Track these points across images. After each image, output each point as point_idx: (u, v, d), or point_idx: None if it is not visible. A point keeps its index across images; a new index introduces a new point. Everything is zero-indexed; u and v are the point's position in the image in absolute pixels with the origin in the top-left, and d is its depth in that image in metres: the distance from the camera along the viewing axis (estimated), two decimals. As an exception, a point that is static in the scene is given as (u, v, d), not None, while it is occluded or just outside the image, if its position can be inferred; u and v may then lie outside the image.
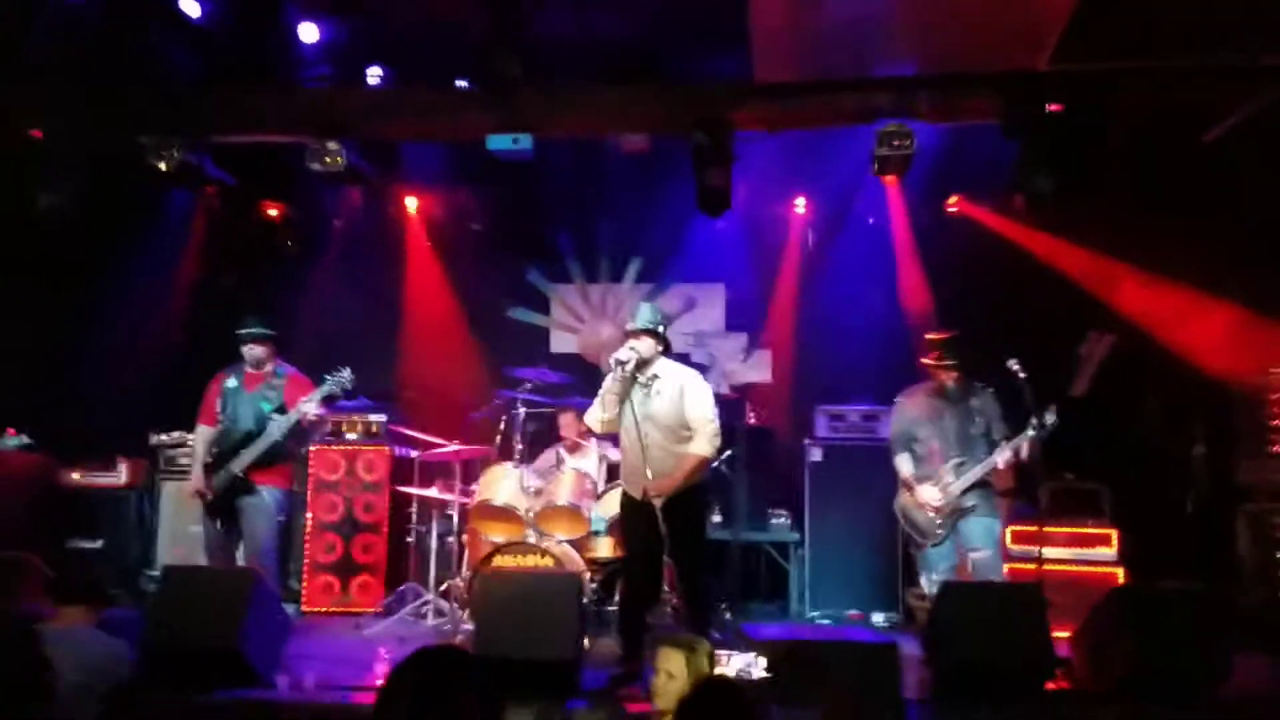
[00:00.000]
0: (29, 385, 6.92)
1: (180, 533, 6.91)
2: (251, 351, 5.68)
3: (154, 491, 7.13)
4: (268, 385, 5.67)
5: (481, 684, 1.77)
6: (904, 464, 5.53)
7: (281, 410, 5.56)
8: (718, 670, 4.56)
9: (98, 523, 6.99)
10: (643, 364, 4.91)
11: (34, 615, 3.52)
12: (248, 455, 5.48)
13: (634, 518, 4.99)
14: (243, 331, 5.68)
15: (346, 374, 5.57)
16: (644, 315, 4.99)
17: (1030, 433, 5.18)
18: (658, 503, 4.75)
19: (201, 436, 5.70)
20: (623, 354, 4.87)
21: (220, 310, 7.52)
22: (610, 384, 4.93)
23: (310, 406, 5.50)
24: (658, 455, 4.83)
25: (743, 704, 2.15)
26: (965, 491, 5.32)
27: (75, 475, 7.11)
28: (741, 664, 4.64)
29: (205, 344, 7.46)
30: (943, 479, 5.36)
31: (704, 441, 4.88)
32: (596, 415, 5.06)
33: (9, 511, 6.74)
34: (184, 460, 7.05)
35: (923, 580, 5.53)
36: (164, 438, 7.15)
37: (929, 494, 5.37)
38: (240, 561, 5.58)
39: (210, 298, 7.65)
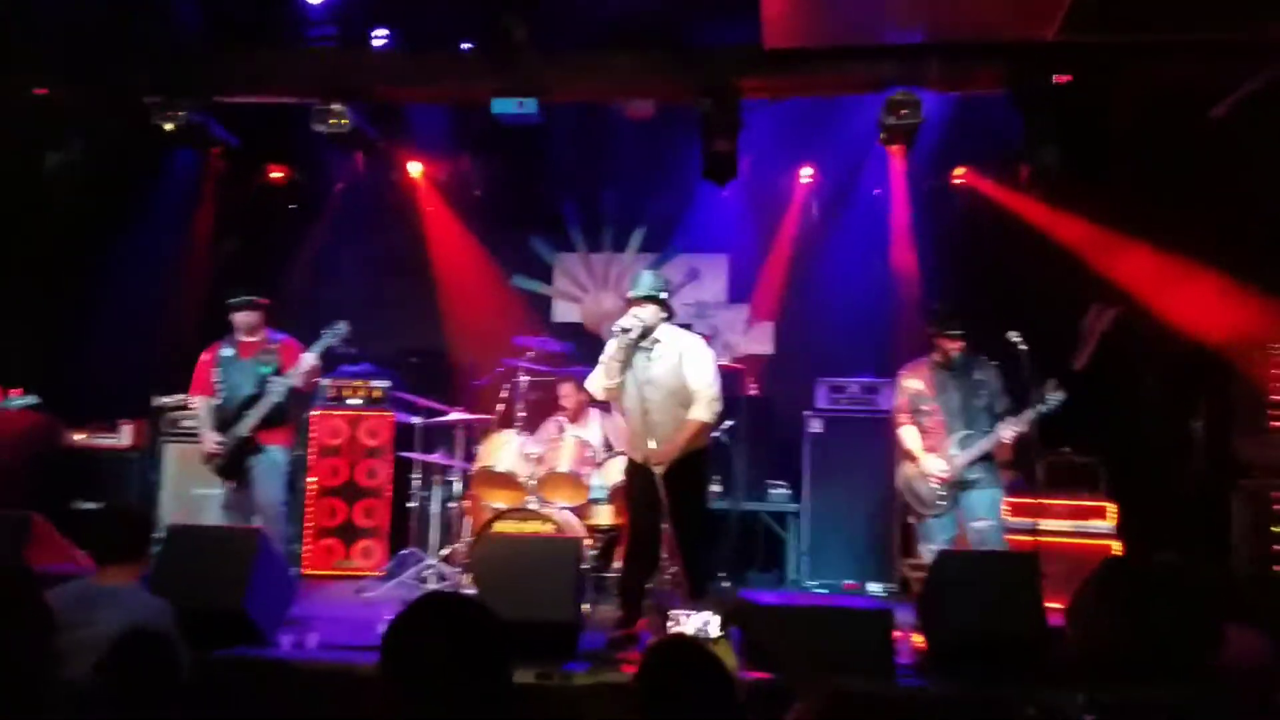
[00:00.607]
0: (35, 346, 6.95)
1: (182, 495, 6.96)
2: (244, 319, 5.70)
3: (156, 453, 7.16)
4: (263, 351, 5.70)
5: (492, 628, 1.81)
6: (909, 436, 5.55)
7: (278, 373, 5.60)
8: (674, 629, 4.66)
9: (101, 484, 7.02)
10: (645, 331, 4.93)
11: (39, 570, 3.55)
12: (252, 417, 5.53)
13: (636, 483, 5.02)
14: (234, 300, 5.71)
15: (342, 326, 5.62)
16: (646, 282, 4.99)
17: (1040, 409, 5.21)
18: (659, 470, 4.78)
19: (202, 406, 5.75)
20: (626, 321, 4.88)
21: (224, 273, 7.54)
22: (613, 350, 4.95)
23: (310, 357, 5.55)
24: (659, 420, 4.85)
25: (707, 663, 2.17)
26: (969, 465, 5.36)
27: (79, 436, 7.16)
28: (699, 623, 4.70)
29: (210, 307, 7.48)
30: (947, 451, 5.39)
31: (703, 407, 4.90)
32: (599, 382, 5.08)
33: (13, 470, 6.79)
34: (186, 423, 7.07)
35: (921, 550, 5.57)
36: (167, 400, 7.16)
37: (934, 465, 5.39)
38: (256, 521, 5.65)
39: (215, 260, 7.66)
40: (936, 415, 5.46)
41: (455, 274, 7.95)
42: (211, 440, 5.60)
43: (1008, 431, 5.27)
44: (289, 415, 5.77)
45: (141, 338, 7.20)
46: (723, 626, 4.32)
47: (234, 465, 5.60)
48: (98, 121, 5.96)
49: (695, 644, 2.26)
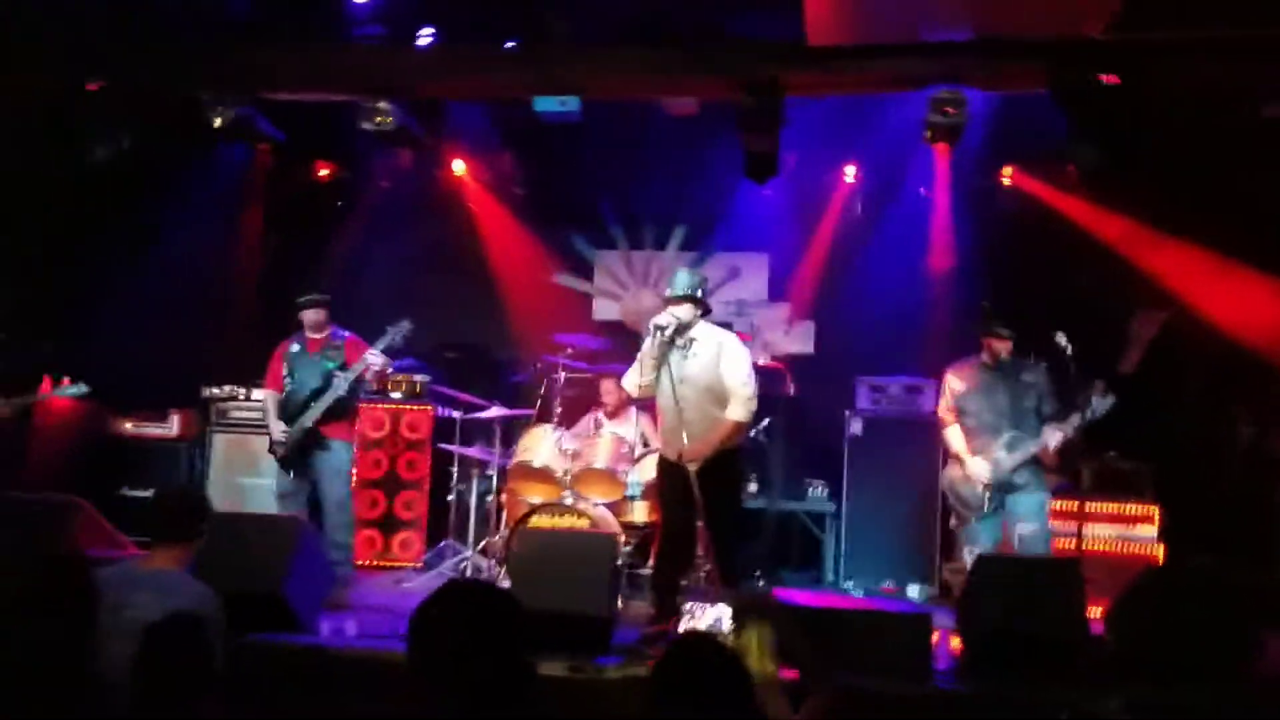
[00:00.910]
0: (87, 335, 7.10)
1: (229, 484, 7.09)
2: (312, 317, 5.95)
3: (204, 444, 7.30)
4: (329, 347, 5.95)
5: (513, 615, 1.82)
6: (954, 437, 5.48)
7: (343, 368, 5.82)
8: (689, 624, 4.65)
9: (149, 472, 7.16)
10: (681, 329, 4.92)
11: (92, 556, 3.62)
12: (317, 409, 5.76)
13: (670, 481, 5.02)
14: (302, 300, 5.96)
15: (406, 324, 5.84)
16: (682, 281, 4.99)
17: (1088, 414, 5.12)
18: (692, 467, 4.77)
19: (269, 399, 6.02)
20: (662, 319, 4.88)
21: (273, 267, 7.66)
22: (648, 349, 4.95)
23: (375, 359, 5.76)
24: (694, 418, 4.84)
25: (723, 659, 2.16)
26: (1016, 468, 5.28)
27: (128, 425, 7.31)
28: (713, 618, 4.71)
29: (259, 299, 7.62)
30: (994, 454, 5.32)
31: (739, 406, 4.89)
32: (634, 380, 5.09)
33: (63, 457, 6.96)
34: (235, 414, 7.23)
35: (965, 554, 5.48)
36: (215, 391, 7.32)
37: (979, 468, 5.32)
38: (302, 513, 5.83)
39: (265, 254, 7.78)
40: (983, 416, 5.39)
41: (496, 270, 7.99)
42: (278, 430, 5.83)
43: (1056, 435, 5.18)
44: (351, 409, 6.01)
45: (191, 329, 7.34)
46: (735, 621, 4.32)
47: (297, 456, 5.82)
48: (147, 115, 6.07)
49: (712, 640, 2.25)
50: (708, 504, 4.76)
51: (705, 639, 2.28)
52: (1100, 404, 5.14)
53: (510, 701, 1.78)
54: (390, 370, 6.25)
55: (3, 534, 4.79)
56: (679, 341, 4.93)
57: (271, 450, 5.91)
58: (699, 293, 5.00)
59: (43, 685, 2.08)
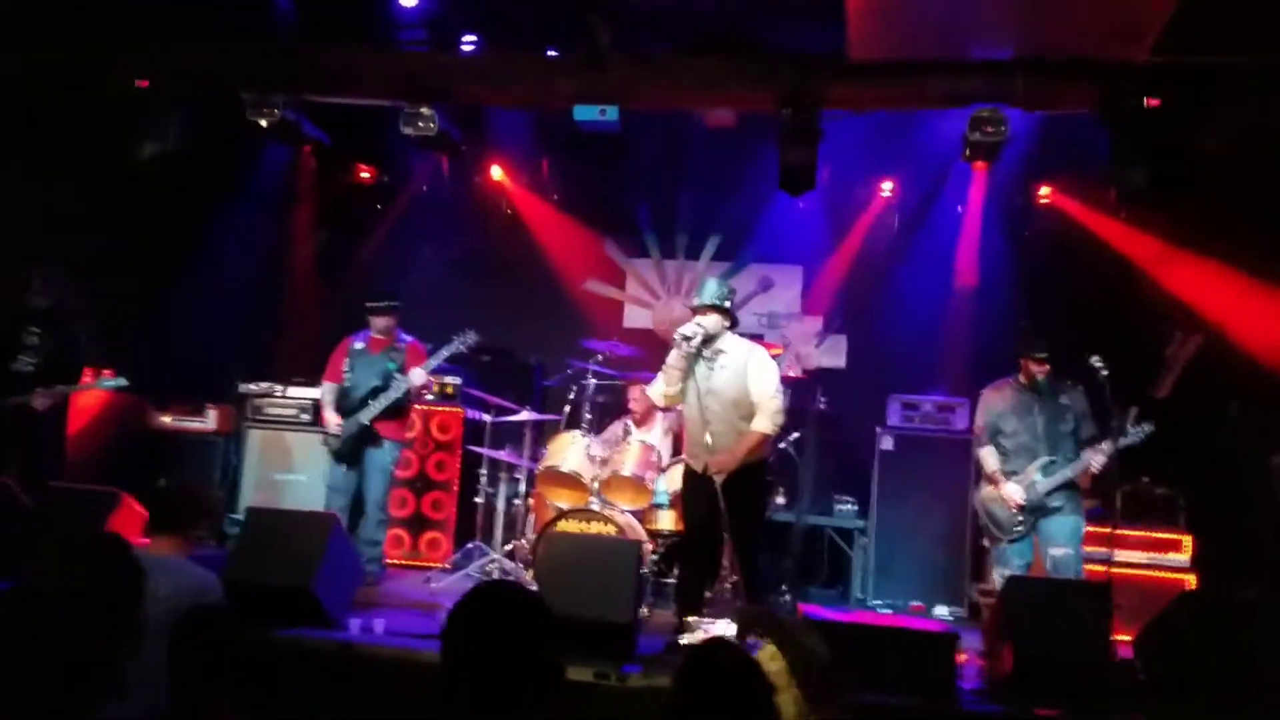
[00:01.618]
0: (129, 329, 7.22)
1: (264, 479, 7.20)
2: (383, 321, 6.14)
3: (240, 438, 7.40)
4: (391, 348, 6.17)
5: (544, 619, 1.84)
6: (989, 458, 5.45)
7: (402, 371, 6.04)
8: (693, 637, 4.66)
9: (185, 466, 7.28)
10: (708, 339, 4.93)
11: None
12: (376, 407, 5.97)
13: (695, 492, 5.03)
14: (376, 304, 6.14)
15: (471, 334, 6.07)
16: (710, 291, 5.00)
17: (1124, 441, 5.09)
18: (718, 479, 4.78)
19: (327, 391, 6.21)
20: (688, 329, 4.89)
21: (311, 266, 7.75)
22: (675, 358, 4.96)
23: (418, 378, 5.99)
24: (720, 430, 4.85)
25: (745, 668, 2.17)
26: (1051, 491, 5.25)
27: (166, 419, 7.43)
28: (719, 632, 4.71)
29: (299, 298, 7.72)
30: (1029, 477, 5.29)
31: (765, 418, 4.88)
32: (659, 389, 5.11)
33: (102, 449, 7.08)
34: (270, 410, 7.34)
35: (995, 576, 5.45)
36: (252, 387, 7.42)
37: (1013, 491, 5.28)
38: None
39: (304, 253, 7.89)
40: (1019, 438, 5.36)
41: (530, 275, 8.05)
42: (334, 422, 6.03)
43: (1098, 458, 5.14)
44: (405, 410, 6.23)
45: (231, 325, 7.45)
46: (740, 636, 4.32)
47: (350, 449, 6.03)
48: (195, 113, 6.18)
49: (732, 647, 2.26)
50: (732, 515, 4.76)
51: (725, 647, 2.29)
52: (1135, 432, 5.11)
53: (538, 703, 1.81)
54: (429, 386, 6.50)
55: (51, 524, 4.89)
56: (706, 353, 4.94)
57: (326, 442, 6.12)
58: (726, 303, 5.00)
59: (89, 673, 2.13)
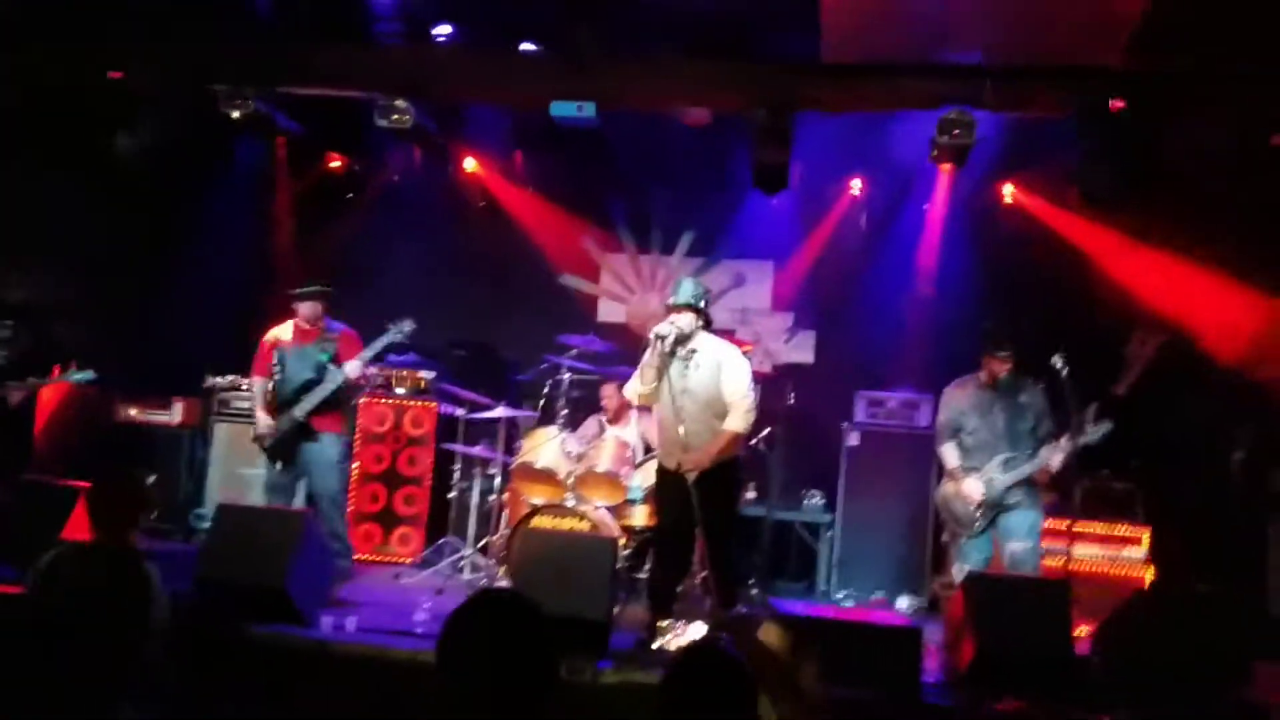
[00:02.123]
0: (96, 322, 7.15)
1: (230, 474, 7.15)
2: (309, 309, 5.86)
3: (207, 432, 7.36)
4: (323, 339, 5.87)
5: (542, 628, 1.89)
6: (950, 454, 5.54)
7: (335, 362, 5.76)
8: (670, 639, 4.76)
9: (151, 459, 7.22)
10: (682, 339, 4.97)
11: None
12: (309, 402, 5.70)
13: (668, 489, 5.08)
14: (303, 290, 5.87)
15: (408, 323, 5.81)
16: (686, 290, 5.04)
17: (1082, 439, 5.20)
18: (691, 476, 4.84)
19: (257, 387, 5.94)
20: (663, 329, 4.93)
21: (281, 259, 7.70)
22: (649, 357, 5.00)
23: (352, 370, 5.72)
24: (694, 429, 4.91)
25: (738, 673, 2.23)
26: (1010, 487, 5.36)
27: (132, 412, 7.37)
28: (696, 634, 4.81)
29: (265, 291, 7.66)
30: (989, 474, 5.39)
31: (738, 417, 4.95)
32: (635, 387, 5.15)
33: (68, 442, 7.02)
34: (237, 403, 7.28)
35: (955, 570, 5.55)
36: (219, 380, 7.37)
37: (973, 487, 5.38)
38: (299, 503, 5.87)
39: (277, 246, 7.85)
40: (980, 435, 5.45)
41: (504, 269, 8.05)
42: (264, 421, 5.77)
43: (1057, 456, 5.25)
44: (342, 402, 5.95)
45: (203, 319, 7.39)
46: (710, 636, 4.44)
47: (285, 447, 5.76)
48: (169, 106, 6.13)
49: (720, 651, 2.31)
50: (705, 512, 4.82)
51: (713, 649, 2.34)
52: (1094, 430, 5.22)
53: (534, 706, 1.85)
54: (366, 379, 6.19)
55: (32, 518, 4.86)
56: (680, 352, 4.98)
57: (256, 440, 5.86)
58: (701, 303, 5.05)
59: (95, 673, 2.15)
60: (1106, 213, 6.64)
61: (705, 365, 4.98)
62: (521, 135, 7.49)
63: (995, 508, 5.37)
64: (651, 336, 4.96)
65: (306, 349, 5.84)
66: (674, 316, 4.99)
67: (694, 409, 4.94)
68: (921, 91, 5.74)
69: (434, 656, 1.85)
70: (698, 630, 4.88)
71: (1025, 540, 5.32)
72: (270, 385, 5.87)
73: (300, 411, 5.71)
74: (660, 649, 4.85)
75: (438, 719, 1.84)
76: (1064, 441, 5.24)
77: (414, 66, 6.18)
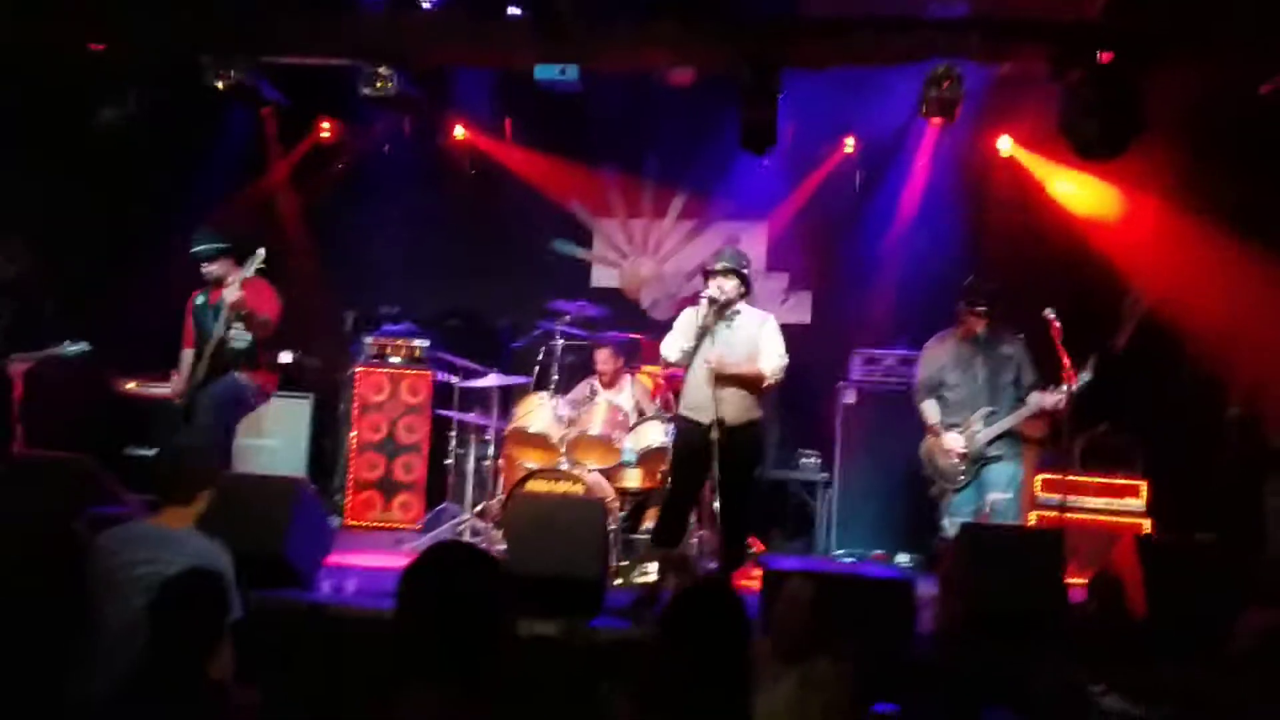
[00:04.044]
0: (91, 295, 7.17)
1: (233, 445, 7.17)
2: (211, 270, 5.61)
3: (204, 404, 7.36)
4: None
5: (492, 579, 1.90)
6: (930, 410, 5.56)
7: (242, 319, 5.47)
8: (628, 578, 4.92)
9: (151, 431, 7.25)
10: (727, 302, 5.09)
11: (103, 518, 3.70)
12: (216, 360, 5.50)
13: (689, 448, 5.09)
14: (197, 250, 5.59)
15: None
16: (730, 257, 5.17)
17: (1065, 388, 5.20)
18: (718, 437, 4.86)
19: (184, 359, 5.74)
20: (712, 291, 5.06)
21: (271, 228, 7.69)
22: (694, 318, 5.10)
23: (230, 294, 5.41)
24: (725, 394, 4.98)
25: (736, 608, 2.25)
26: (992, 441, 5.37)
27: (130, 385, 7.39)
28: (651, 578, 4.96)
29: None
30: (970, 427, 5.40)
31: (769, 363, 5.08)
32: (677, 346, 5.18)
33: (67, 416, 7.04)
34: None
35: (945, 524, 5.61)
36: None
37: (954, 440, 5.41)
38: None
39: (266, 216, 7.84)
40: (961, 391, 5.46)
41: (496, 236, 8.04)
42: (179, 385, 5.59)
43: (1049, 399, 5.25)
44: (258, 359, 5.66)
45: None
46: (660, 579, 4.53)
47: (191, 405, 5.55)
48: (152, 78, 6.10)
49: (721, 588, 2.33)
50: (729, 475, 4.90)
51: (713, 586, 2.37)
52: (1084, 376, 5.20)
53: (489, 660, 1.87)
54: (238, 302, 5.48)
55: (19, 495, 4.88)
56: (724, 315, 5.10)
57: (176, 404, 5.64)
58: (745, 269, 5.17)
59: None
60: (1101, 166, 6.59)
61: (747, 328, 5.12)
62: (510, 102, 7.45)
63: (978, 461, 5.38)
64: (704, 299, 5.07)
65: (216, 306, 5.58)
66: (721, 280, 5.09)
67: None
68: (906, 45, 5.69)
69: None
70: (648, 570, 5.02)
71: (1005, 492, 5.35)
72: (193, 352, 5.65)
73: (201, 371, 5.53)
74: (625, 587, 5.00)
75: (397, 669, 1.86)
76: (1053, 388, 5.22)
77: (395, 32, 6.12)
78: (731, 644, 2.22)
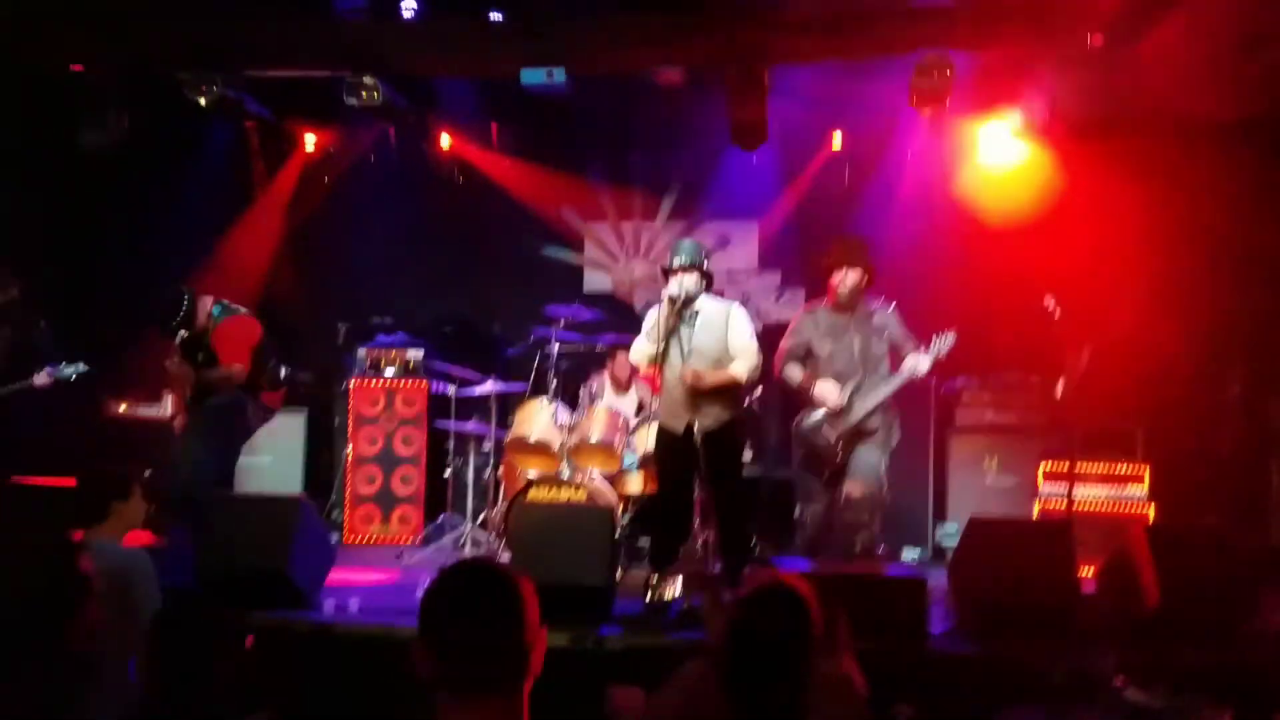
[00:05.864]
0: (84, 317, 7.09)
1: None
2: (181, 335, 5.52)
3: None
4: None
5: (519, 594, 1.86)
6: (794, 372, 5.31)
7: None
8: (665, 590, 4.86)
9: (143, 453, 7.16)
10: (690, 299, 4.97)
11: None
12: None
13: (670, 452, 5.06)
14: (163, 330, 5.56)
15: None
16: (688, 251, 5.03)
17: (929, 354, 5.03)
18: (699, 437, 4.80)
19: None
20: (673, 290, 4.93)
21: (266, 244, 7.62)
22: (657, 320, 4.99)
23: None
24: (702, 397, 4.89)
25: (807, 610, 2.22)
26: (870, 413, 5.16)
27: (122, 406, 7.31)
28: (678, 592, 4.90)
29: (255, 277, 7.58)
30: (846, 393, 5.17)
31: (743, 364, 4.96)
32: (644, 351, 5.11)
33: (59, 438, 6.95)
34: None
35: (803, 510, 5.49)
36: (209, 371, 7.29)
37: (828, 389, 5.16)
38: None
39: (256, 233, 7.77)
40: (836, 362, 5.24)
41: (486, 245, 7.98)
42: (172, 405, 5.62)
43: (923, 363, 5.02)
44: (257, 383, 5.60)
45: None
46: (684, 591, 4.46)
47: None
48: (133, 97, 6.02)
49: (790, 591, 2.28)
50: (713, 474, 4.83)
51: (780, 584, 2.32)
52: (942, 342, 5.03)
53: (524, 677, 1.83)
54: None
55: (19, 524, 4.81)
56: (686, 313, 4.98)
57: None
58: (704, 263, 5.05)
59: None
60: (1095, 147, 6.55)
61: (712, 323, 5.00)
62: (496, 107, 7.39)
63: (854, 438, 5.19)
64: (663, 298, 4.95)
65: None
66: (682, 277, 4.97)
67: (703, 367, 4.93)
68: (895, 36, 5.66)
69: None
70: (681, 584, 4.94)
71: (860, 479, 5.10)
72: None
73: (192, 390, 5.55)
74: (657, 602, 4.87)
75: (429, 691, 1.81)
76: (924, 348, 5.05)
77: (379, 41, 6.08)
78: (799, 645, 2.20)
